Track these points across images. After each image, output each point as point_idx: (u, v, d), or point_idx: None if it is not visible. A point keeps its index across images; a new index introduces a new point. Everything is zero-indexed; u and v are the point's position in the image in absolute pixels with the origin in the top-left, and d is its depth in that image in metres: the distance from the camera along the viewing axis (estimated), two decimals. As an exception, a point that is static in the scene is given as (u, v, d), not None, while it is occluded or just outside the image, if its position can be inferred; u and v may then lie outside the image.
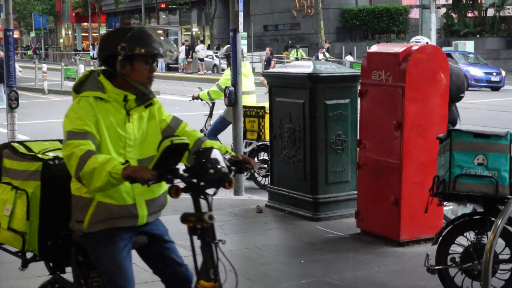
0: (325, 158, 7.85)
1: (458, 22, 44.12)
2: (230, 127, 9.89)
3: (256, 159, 10.22)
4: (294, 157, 8.07)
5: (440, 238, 5.48)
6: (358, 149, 7.43)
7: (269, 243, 7.14)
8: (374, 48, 7.50)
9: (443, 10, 44.77)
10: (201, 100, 11.05)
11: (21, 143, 4.18)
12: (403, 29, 46.48)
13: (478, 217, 5.46)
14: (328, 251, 6.80)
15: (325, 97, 7.83)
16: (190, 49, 46.89)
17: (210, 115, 11.20)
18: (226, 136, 10.39)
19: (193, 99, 11.36)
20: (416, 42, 8.29)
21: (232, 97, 9.24)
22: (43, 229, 3.94)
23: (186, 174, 3.61)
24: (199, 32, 63.84)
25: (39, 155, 3.98)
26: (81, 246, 3.93)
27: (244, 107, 9.83)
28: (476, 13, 44.19)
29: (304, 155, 7.93)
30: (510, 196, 5.11)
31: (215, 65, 43.16)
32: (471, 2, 43.67)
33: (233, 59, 9.43)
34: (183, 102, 11.11)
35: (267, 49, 31.82)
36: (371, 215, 7.20)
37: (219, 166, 3.59)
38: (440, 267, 5.43)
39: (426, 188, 5.67)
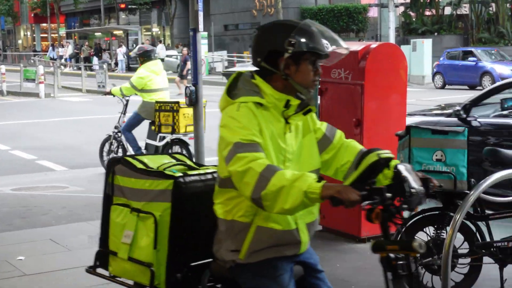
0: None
1: (416, 20, 44.48)
2: (145, 122, 10.91)
3: (170, 151, 10.58)
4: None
5: (400, 233, 5.52)
6: (318, 147, 7.45)
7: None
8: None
9: (401, 8, 45.09)
10: (113, 95, 11.34)
11: (134, 157, 3.58)
12: (362, 27, 46.70)
13: (437, 212, 5.51)
14: (290, 249, 6.81)
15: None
16: (151, 49, 46.58)
17: (124, 112, 11.48)
18: (140, 132, 11.14)
19: (105, 94, 11.88)
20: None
21: (193, 96, 9.19)
22: (172, 259, 3.34)
23: (389, 195, 3.08)
24: (159, 32, 63.55)
25: (167, 172, 3.38)
26: (222, 280, 3.37)
27: (158, 102, 10.51)
28: (434, 11, 44.60)
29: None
30: (468, 191, 5.17)
31: (178, 65, 42.87)
32: (428, 1, 44.08)
33: (193, 58, 9.38)
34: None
35: (184, 49, 31.45)
36: (332, 213, 7.20)
37: (418, 187, 3.11)
38: (401, 262, 5.46)
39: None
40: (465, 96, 24.08)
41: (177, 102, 10.39)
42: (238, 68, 9.09)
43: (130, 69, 46.82)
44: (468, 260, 5.50)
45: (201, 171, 3.48)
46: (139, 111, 10.99)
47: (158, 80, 10.99)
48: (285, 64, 3.16)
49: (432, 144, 5.33)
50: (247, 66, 9.06)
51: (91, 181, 10.65)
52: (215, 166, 3.42)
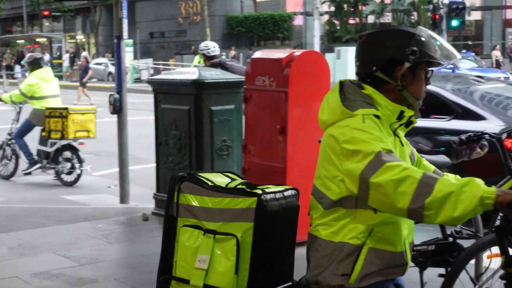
0: (211, 163, 7.86)
1: (340, 29, 45.16)
2: (36, 129, 11.22)
3: (60, 158, 10.92)
4: (180, 163, 8.04)
5: None
6: (243, 154, 7.47)
7: (155, 250, 7.03)
8: (258, 54, 7.56)
9: (326, 17, 45.69)
10: (4, 102, 11.63)
11: (198, 174, 3.20)
12: (287, 35, 47.15)
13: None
14: (216, 256, 6.77)
15: (210, 103, 7.84)
16: (75, 57, 46.00)
17: (17, 119, 11.60)
18: (32, 140, 11.38)
19: None
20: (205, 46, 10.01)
21: (117, 104, 9.11)
22: (253, 285, 3.04)
23: None
24: (84, 40, 62.78)
25: (248, 189, 3.04)
26: None
27: (48, 108, 10.90)
28: (358, 20, 45.36)
29: (190, 161, 7.91)
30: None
31: (110, 73, 42.37)
32: (352, 10, 44.80)
33: (117, 66, 9.33)
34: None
35: (82, 57, 31.23)
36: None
37: None
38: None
39: (310, 190, 5.75)
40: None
41: (66, 108, 10.81)
42: (162, 75, 8.98)
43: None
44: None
45: (274, 189, 3.15)
46: (30, 118, 11.27)
47: (47, 87, 11.26)
48: (402, 74, 3.01)
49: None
50: (172, 73, 8.95)
51: (8, 191, 10.43)
52: (276, 185, 3.20)
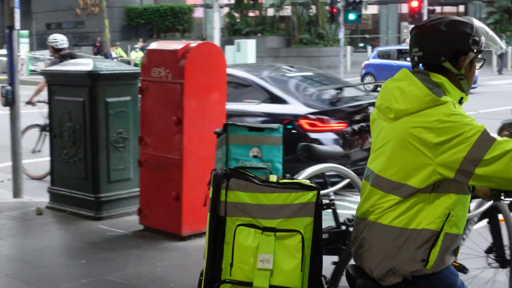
0: (107, 156, 7.76)
1: (240, 21, 45.31)
2: None
3: None
4: (75, 156, 7.90)
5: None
6: (139, 146, 7.41)
7: (49, 245, 6.93)
8: (154, 45, 7.50)
9: (226, 9, 45.76)
10: None
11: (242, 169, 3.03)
12: (188, 27, 46.97)
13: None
14: (110, 249, 6.72)
15: (105, 94, 7.74)
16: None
17: None
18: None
19: None
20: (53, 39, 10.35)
21: (9, 96, 8.87)
22: (314, 281, 2.96)
23: None
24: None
25: (304, 182, 2.94)
26: None
27: None
28: (258, 12, 45.61)
29: (85, 154, 7.79)
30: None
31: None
32: (252, 2, 45.02)
33: (9, 57, 9.07)
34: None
35: None
36: (153, 211, 7.21)
37: None
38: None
39: (206, 181, 5.76)
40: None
41: None
42: (56, 67, 8.86)
43: None
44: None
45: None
46: None
47: None
48: (466, 63, 3.06)
49: (248, 141, 5.44)
50: (66, 65, 8.82)
51: None
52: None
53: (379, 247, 3.00)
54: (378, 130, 3.16)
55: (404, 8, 43.42)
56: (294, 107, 8.83)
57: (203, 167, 6.72)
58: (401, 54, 29.00)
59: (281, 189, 2.85)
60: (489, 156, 2.83)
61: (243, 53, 33.14)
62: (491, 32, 3.18)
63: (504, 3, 41.82)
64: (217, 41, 31.30)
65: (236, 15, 45.79)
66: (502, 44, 3.31)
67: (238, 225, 2.83)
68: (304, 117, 8.71)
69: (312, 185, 2.90)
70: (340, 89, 9.42)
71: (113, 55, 33.93)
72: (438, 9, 43.75)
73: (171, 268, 6.20)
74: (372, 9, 48.74)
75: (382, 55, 29.57)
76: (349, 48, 40.42)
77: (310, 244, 2.88)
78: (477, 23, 3.11)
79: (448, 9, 48.57)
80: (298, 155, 5.75)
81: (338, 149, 5.86)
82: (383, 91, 3.13)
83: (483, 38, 3.08)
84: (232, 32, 44.65)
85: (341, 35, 33.76)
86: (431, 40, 3.08)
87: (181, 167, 6.87)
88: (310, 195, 2.85)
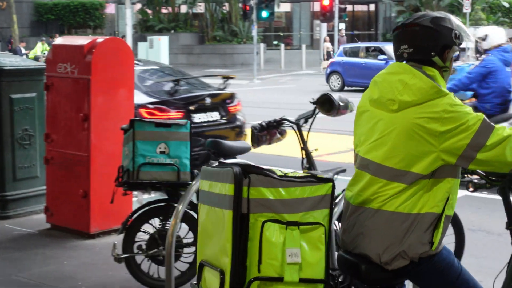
0: (12, 154, 7.58)
1: (153, 18, 45.02)
2: None
3: None
4: (-21, 154, 7.71)
5: (126, 226, 5.55)
6: (46, 143, 7.28)
7: None
8: (59, 41, 7.41)
9: (139, 6, 45.38)
10: None
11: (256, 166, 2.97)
12: (99, 24, 46.37)
13: (162, 204, 5.61)
14: (16, 249, 6.58)
15: (10, 91, 7.55)
16: None
17: None
18: None
19: None
20: None
21: None
22: (328, 271, 3.00)
23: None
24: None
25: (318, 175, 2.99)
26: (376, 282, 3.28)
27: None
28: (170, 9, 45.40)
29: (-10, 152, 7.60)
30: (191, 182, 5.32)
31: None
32: (165, -1, 44.84)
33: None
34: None
35: None
36: (61, 210, 7.10)
37: None
38: (127, 255, 5.49)
39: (114, 178, 5.71)
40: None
41: None
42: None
43: None
44: (193, 249, 5.65)
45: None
46: None
47: None
48: (449, 57, 3.30)
49: (155, 137, 5.42)
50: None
51: None
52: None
53: (386, 233, 3.18)
54: (373, 121, 3.31)
55: (317, 6, 43.94)
56: (136, 97, 8.36)
57: (111, 164, 6.64)
58: (368, 52, 28.49)
59: (300, 183, 2.88)
60: (490, 142, 3.11)
61: (156, 50, 32.83)
62: (462, 25, 3.40)
63: (413, 2, 42.81)
64: (129, 37, 31.02)
65: (149, 11, 45.47)
66: (470, 36, 3.64)
67: (265, 221, 2.81)
68: (144, 106, 9.09)
69: (327, 177, 2.97)
70: (178, 81, 9.86)
71: (23, 51, 33.21)
72: (349, 7, 44.49)
73: (79, 267, 6.12)
74: (285, 7, 49.12)
75: (349, 53, 28.42)
76: (262, 45, 40.67)
77: (327, 234, 2.96)
78: (452, 17, 3.34)
79: (359, 7, 49.41)
80: (206, 151, 5.78)
81: (246, 145, 5.90)
82: (382, 84, 3.30)
83: (463, 33, 3.33)
84: (145, 28, 44.32)
85: (254, 32, 33.95)
86: (421, 37, 3.27)
87: (88, 164, 6.78)
88: (326, 187, 2.93)
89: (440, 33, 3.26)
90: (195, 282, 3.09)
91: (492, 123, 3.16)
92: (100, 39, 6.97)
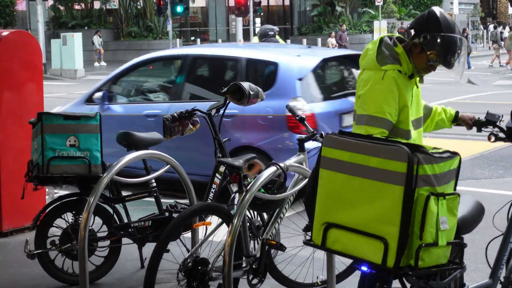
0: None
1: (66, 14, 44.32)
2: None
3: None
4: None
5: (38, 222, 5.45)
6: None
7: None
8: (-36, 35, 7.17)
9: (51, 2, 44.58)
10: None
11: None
12: (10, 21, 45.29)
13: (74, 198, 5.53)
14: None
15: None
16: None
17: None
18: None
19: None
20: None
21: None
22: None
23: None
24: None
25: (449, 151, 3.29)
26: None
27: None
28: (83, 5, 44.76)
29: None
30: (102, 175, 5.26)
31: None
32: (77, -5, 44.21)
33: None
34: None
35: None
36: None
37: None
38: (39, 251, 5.40)
39: (24, 174, 5.60)
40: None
41: None
42: None
43: None
44: (108, 242, 5.60)
45: None
46: None
47: None
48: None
49: (65, 130, 5.34)
50: None
51: None
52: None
53: None
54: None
55: (232, 1, 43.94)
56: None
57: (22, 160, 6.49)
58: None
59: (445, 159, 3.20)
60: (358, 128, 3.91)
61: (70, 47, 32.23)
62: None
63: (327, -4, 43.32)
64: (41, 34, 30.42)
65: (61, 8, 44.72)
66: None
67: (429, 194, 3.11)
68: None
69: (455, 151, 3.30)
70: None
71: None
72: (264, 2, 44.68)
73: (-10, 265, 5.98)
74: (200, 2, 48.95)
75: None
76: (178, 40, 40.45)
77: None
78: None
79: (273, 2, 49.66)
80: (117, 143, 5.71)
81: (158, 136, 5.86)
82: None
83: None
84: (58, 25, 43.59)
85: (169, 27, 33.78)
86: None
87: (-4, 162, 6.64)
88: (457, 160, 3.28)
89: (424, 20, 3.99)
90: (308, 239, 3.44)
91: (371, 123, 3.87)
92: (5, 32, 6.81)
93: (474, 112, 4.66)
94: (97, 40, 39.61)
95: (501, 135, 4.41)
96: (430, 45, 3.89)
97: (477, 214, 3.82)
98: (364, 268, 3.40)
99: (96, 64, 39.63)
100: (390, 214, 3.11)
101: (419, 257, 3.11)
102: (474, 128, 4.61)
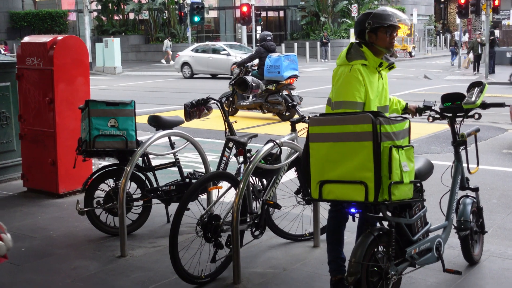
0: (-7, 132, 7.35)
1: (107, 23, 44.06)
2: None
3: None
4: (-36, 133, 7.42)
5: (86, 186, 5.45)
6: (20, 122, 7.07)
7: None
8: (27, 39, 7.13)
9: (95, 14, 44.30)
10: None
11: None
12: (64, 29, 45.04)
13: (114, 167, 5.52)
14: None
15: (-13, 81, 7.29)
16: None
17: None
18: None
19: None
20: None
21: None
22: None
23: None
24: None
25: (401, 116, 3.73)
26: None
27: None
28: (121, 16, 44.50)
29: (-27, 131, 7.33)
30: (136, 149, 5.25)
31: None
32: (116, 8, 43.86)
33: None
34: None
35: None
36: (34, 176, 6.93)
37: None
38: (88, 209, 5.41)
39: (75, 148, 5.59)
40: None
41: None
42: None
43: None
44: (141, 202, 5.60)
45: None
46: None
47: None
48: (368, 36, 3.93)
49: (106, 114, 5.32)
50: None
51: None
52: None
53: None
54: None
55: (238, 13, 43.72)
56: None
57: (72, 138, 6.51)
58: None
59: (400, 121, 3.42)
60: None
61: (111, 49, 32.12)
62: (394, 13, 4.01)
63: (313, 8, 42.98)
64: (88, 39, 30.31)
65: (103, 18, 44.47)
66: (404, 21, 4.18)
67: (391, 146, 3.31)
68: None
69: (405, 116, 3.70)
70: None
71: (1, 51, 32.10)
72: (263, 13, 44.38)
73: (51, 220, 5.98)
74: (213, 14, 48.62)
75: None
76: (196, 44, 40.21)
77: None
78: (380, 11, 3.97)
79: (271, 13, 49.32)
80: (148, 124, 5.70)
81: (180, 119, 5.84)
82: None
83: (376, 20, 3.93)
84: (101, 32, 43.36)
85: (189, 33, 33.58)
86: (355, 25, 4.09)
87: (55, 138, 6.62)
88: (408, 122, 3.49)
89: (356, 24, 4.00)
90: (299, 200, 4.22)
91: (343, 106, 3.83)
92: (59, 37, 6.77)
93: (431, 100, 4.66)
94: (166, 43, 38.38)
95: (437, 116, 4.56)
96: (374, 24, 3.88)
97: (429, 167, 4.02)
98: (353, 210, 3.54)
99: (163, 61, 38.91)
100: (365, 163, 3.29)
101: (391, 192, 3.28)
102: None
